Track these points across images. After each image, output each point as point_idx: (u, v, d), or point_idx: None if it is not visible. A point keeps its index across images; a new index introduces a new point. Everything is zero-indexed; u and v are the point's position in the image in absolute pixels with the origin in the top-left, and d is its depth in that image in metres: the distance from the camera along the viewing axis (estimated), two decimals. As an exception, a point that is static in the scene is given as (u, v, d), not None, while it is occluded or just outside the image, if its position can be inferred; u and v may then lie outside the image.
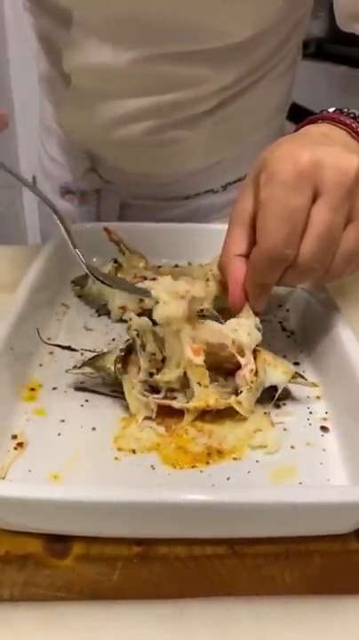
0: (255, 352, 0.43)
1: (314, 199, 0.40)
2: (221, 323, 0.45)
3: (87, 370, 0.44)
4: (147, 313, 0.52)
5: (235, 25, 0.60)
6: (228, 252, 0.44)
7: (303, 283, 0.44)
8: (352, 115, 0.47)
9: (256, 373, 0.42)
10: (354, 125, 0.46)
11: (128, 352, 0.44)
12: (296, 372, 0.44)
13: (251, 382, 0.42)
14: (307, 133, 0.45)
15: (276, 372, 0.43)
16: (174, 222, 0.75)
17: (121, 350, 0.43)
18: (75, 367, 0.45)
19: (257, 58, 0.66)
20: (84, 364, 0.45)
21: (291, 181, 0.39)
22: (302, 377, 0.44)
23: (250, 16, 0.60)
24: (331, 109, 0.48)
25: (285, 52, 0.71)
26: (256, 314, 0.44)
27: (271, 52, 0.68)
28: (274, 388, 0.43)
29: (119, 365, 0.42)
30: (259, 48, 0.65)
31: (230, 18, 0.59)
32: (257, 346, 0.44)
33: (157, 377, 0.42)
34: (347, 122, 0.46)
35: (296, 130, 0.48)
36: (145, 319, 0.45)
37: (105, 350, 0.46)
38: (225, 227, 0.70)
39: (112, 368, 0.43)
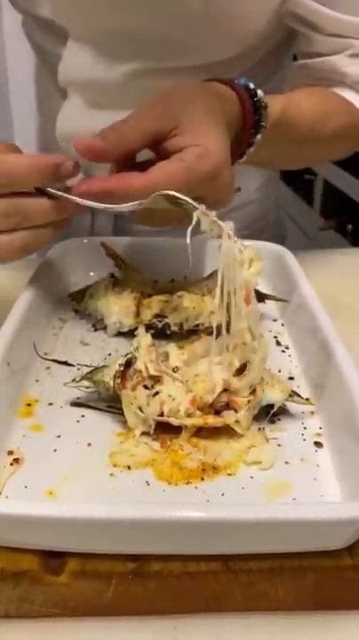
0: None
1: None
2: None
3: (85, 383, 0.45)
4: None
5: (223, 42, 0.61)
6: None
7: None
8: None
9: (254, 392, 0.43)
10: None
11: (127, 366, 0.44)
12: (292, 391, 0.44)
13: (249, 402, 0.42)
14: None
15: (274, 390, 0.43)
16: (168, 234, 0.76)
17: (120, 365, 0.43)
18: (73, 380, 0.45)
19: (246, 72, 0.67)
20: (83, 377, 0.45)
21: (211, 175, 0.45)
22: (298, 395, 0.45)
23: (237, 34, 0.61)
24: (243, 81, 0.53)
25: (275, 66, 0.72)
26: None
27: (260, 67, 0.69)
28: (269, 405, 0.43)
29: (118, 380, 0.43)
30: (247, 63, 0.66)
31: (218, 35, 0.60)
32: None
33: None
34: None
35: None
36: (144, 337, 0.45)
37: (103, 365, 0.46)
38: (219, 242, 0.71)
39: (111, 382, 0.43)
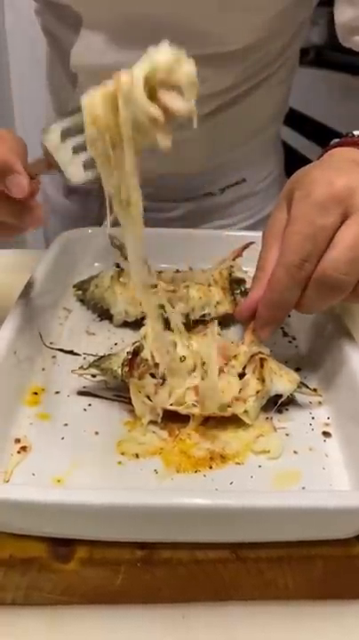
0: (262, 361, 0.44)
1: (342, 222, 0.40)
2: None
3: (93, 371, 0.44)
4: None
5: (235, 32, 0.61)
6: (264, 274, 0.44)
7: (324, 303, 0.42)
8: None
9: (262, 382, 0.42)
10: None
11: (134, 355, 0.44)
12: (300, 382, 0.44)
13: (258, 392, 0.42)
14: (341, 159, 0.45)
15: (282, 380, 0.43)
16: (174, 222, 0.76)
17: (128, 353, 0.43)
18: (81, 368, 0.45)
19: (255, 64, 0.67)
20: (91, 365, 0.45)
21: (323, 202, 0.40)
22: (306, 386, 0.44)
23: (249, 25, 0.61)
24: (357, 132, 0.49)
25: (284, 58, 0.72)
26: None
27: (270, 58, 0.69)
28: (278, 395, 0.43)
29: (126, 368, 0.42)
30: (258, 54, 0.66)
31: (230, 25, 0.60)
32: (264, 354, 0.44)
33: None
34: None
35: (324, 152, 0.49)
36: (155, 323, 0.45)
37: (110, 352, 0.46)
38: (224, 233, 0.71)
39: (119, 370, 0.43)
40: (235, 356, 0.45)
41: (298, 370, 0.49)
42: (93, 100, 0.35)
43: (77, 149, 0.41)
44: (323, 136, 1.45)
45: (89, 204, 0.81)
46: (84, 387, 0.46)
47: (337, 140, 0.50)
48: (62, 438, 0.41)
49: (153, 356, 0.43)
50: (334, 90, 1.39)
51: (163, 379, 0.42)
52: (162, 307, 0.54)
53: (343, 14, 0.61)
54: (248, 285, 0.56)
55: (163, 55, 0.35)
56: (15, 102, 1.65)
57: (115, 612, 0.34)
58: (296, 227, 0.41)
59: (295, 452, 0.41)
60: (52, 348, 0.49)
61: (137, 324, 0.54)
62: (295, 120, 1.56)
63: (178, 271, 0.63)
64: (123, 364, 0.43)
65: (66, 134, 0.41)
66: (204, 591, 0.35)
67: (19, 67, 1.60)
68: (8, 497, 0.32)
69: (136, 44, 0.61)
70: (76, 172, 0.42)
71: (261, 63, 0.69)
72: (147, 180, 0.74)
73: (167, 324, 0.53)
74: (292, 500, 0.33)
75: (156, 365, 0.43)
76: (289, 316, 0.57)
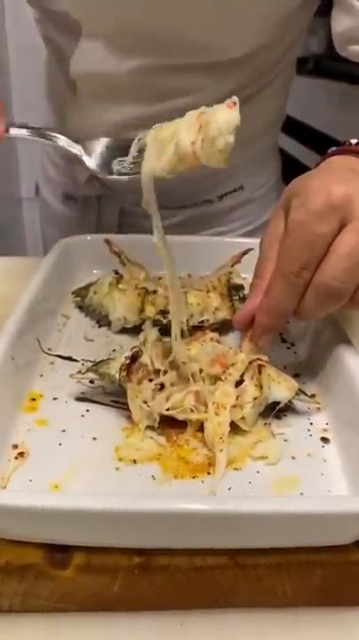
0: (260, 367, 0.44)
1: (340, 230, 0.40)
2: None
3: (91, 375, 0.44)
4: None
5: (233, 41, 0.61)
6: (262, 282, 0.44)
7: (322, 310, 0.42)
8: None
9: (260, 388, 0.42)
10: None
11: (132, 360, 0.44)
12: (299, 389, 0.44)
13: (255, 398, 0.42)
14: (340, 167, 0.45)
15: (280, 387, 0.43)
16: (172, 229, 0.76)
17: (126, 358, 0.43)
18: (79, 372, 0.45)
19: (254, 72, 0.68)
20: (89, 369, 0.45)
21: (321, 210, 0.40)
22: (304, 393, 0.44)
23: (246, 34, 0.61)
24: (354, 141, 0.49)
25: (282, 66, 0.72)
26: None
27: (268, 67, 0.70)
28: (276, 401, 0.43)
29: (124, 373, 0.42)
30: (256, 63, 0.66)
31: (228, 35, 0.60)
32: (262, 360, 0.44)
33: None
34: None
35: (321, 160, 0.49)
36: (151, 331, 0.45)
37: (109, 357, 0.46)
38: (222, 240, 0.71)
39: (116, 375, 0.43)
40: (233, 364, 0.44)
41: (296, 376, 0.49)
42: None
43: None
44: (322, 144, 1.46)
45: (87, 211, 0.81)
46: (82, 392, 0.46)
47: (334, 149, 0.50)
48: (60, 444, 0.41)
49: (152, 362, 0.43)
50: (333, 98, 1.40)
51: (162, 384, 0.42)
52: (161, 313, 0.54)
53: (340, 24, 0.62)
54: (246, 291, 0.56)
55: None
56: (15, 108, 1.66)
57: (112, 619, 0.34)
58: (293, 234, 0.41)
59: (293, 458, 0.41)
60: (51, 354, 0.49)
61: (135, 329, 0.54)
62: (294, 128, 1.58)
63: (176, 277, 0.63)
64: (120, 369, 0.43)
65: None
66: (202, 598, 0.35)
67: (19, 73, 1.61)
68: (5, 503, 0.32)
69: (135, 53, 0.62)
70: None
71: (259, 72, 0.69)
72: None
73: (166, 331, 0.53)
74: (291, 506, 0.33)
75: (156, 371, 0.43)
76: (287, 322, 0.58)
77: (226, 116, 0.38)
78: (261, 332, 0.44)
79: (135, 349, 0.44)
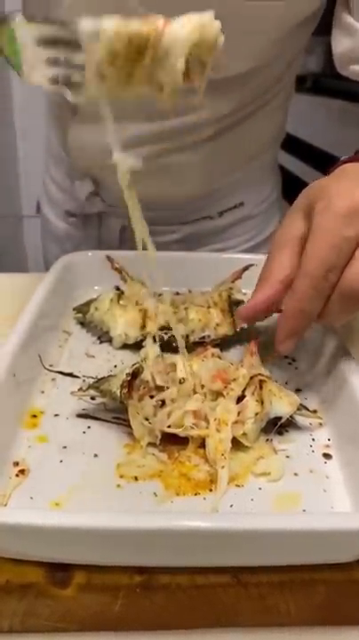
0: (261, 383, 0.44)
1: None
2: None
3: (92, 393, 0.44)
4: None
5: (233, 59, 0.62)
6: (272, 275, 0.44)
7: (347, 314, 0.42)
8: None
9: (262, 404, 0.42)
10: None
11: (134, 376, 0.44)
12: (300, 404, 0.44)
13: (257, 414, 0.42)
14: (354, 173, 0.45)
15: (281, 403, 0.43)
16: (173, 245, 0.77)
17: (127, 375, 0.43)
18: (80, 390, 0.45)
19: (253, 90, 0.69)
20: (90, 386, 0.45)
21: (347, 213, 0.40)
22: (306, 408, 0.44)
23: (244, 52, 0.62)
24: None
25: (282, 84, 0.73)
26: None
27: (267, 85, 0.70)
28: (277, 417, 0.43)
29: (125, 390, 0.42)
30: (254, 81, 0.67)
31: (229, 52, 0.61)
32: (263, 375, 0.44)
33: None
34: None
35: (334, 167, 0.49)
36: (152, 347, 0.45)
37: (110, 374, 0.46)
38: (223, 256, 0.72)
39: (117, 392, 0.43)
40: (234, 379, 0.44)
41: (298, 391, 0.49)
42: (113, 33, 0.33)
43: (51, 62, 0.37)
44: (322, 161, 1.47)
45: (89, 228, 0.82)
46: (84, 409, 0.46)
47: (346, 157, 0.50)
48: (61, 461, 0.41)
49: (153, 378, 0.43)
50: (332, 116, 1.41)
51: (163, 401, 0.42)
52: (163, 328, 0.54)
53: (340, 44, 0.62)
54: (247, 307, 0.56)
55: (210, 32, 0.34)
56: (18, 132, 1.69)
57: (113, 638, 0.34)
58: (320, 237, 0.41)
59: (296, 474, 0.40)
60: (52, 371, 0.49)
61: (137, 345, 0.54)
62: (293, 145, 1.59)
63: (177, 293, 0.63)
64: (122, 386, 0.43)
65: (40, 40, 0.36)
66: (205, 617, 0.34)
67: (21, 97, 1.63)
68: (5, 521, 0.32)
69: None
70: (38, 79, 0.38)
71: (260, 89, 0.70)
72: (146, 204, 0.75)
73: (167, 347, 0.53)
74: (293, 523, 0.32)
75: (157, 387, 0.43)
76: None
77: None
78: (286, 335, 0.44)
79: (136, 366, 0.44)
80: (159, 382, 0.43)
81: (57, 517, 0.32)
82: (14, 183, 1.77)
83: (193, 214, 0.80)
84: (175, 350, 0.54)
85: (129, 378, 0.43)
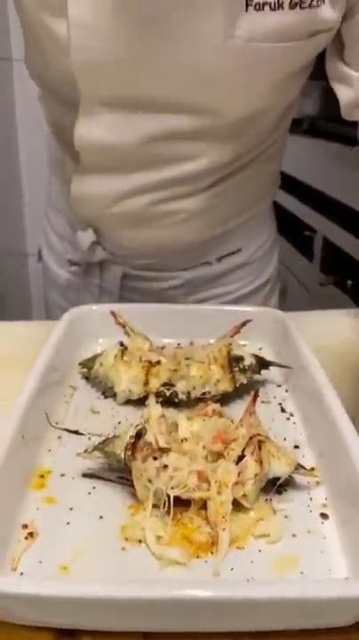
0: (260, 443, 0.45)
1: None
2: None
3: (97, 454, 0.46)
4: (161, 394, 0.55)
5: (225, 105, 0.64)
6: None
7: None
8: None
9: (261, 464, 0.44)
10: None
11: (137, 437, 0.46)
12: (298, 464, 0.45)
13: (256, 475, 0.43)
14: None
15: (279, 463, 0.44)
16: (173, 291, 0.79)
17: (130, 437, 0.45)
18: (85, 451, 0.46)
19: (252, 137, 0.71)
20: (95, 448, 0.46)
21: None
22: (303, 467, 0.46)
23: (239, 99, 0.64)
24: None
25: (280, 130, 0.76)
26: None
27: (266, 132, 0.73)
28: (276, 477, 0.45)
29: (129, 452, 0.44)
30: (254, 128, 0.69)
31: (220, 99, 0.63)
32: (262, 436, 0.46)
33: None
34: None
35: None
36: (155, 407, 0.47)
37: (113, 434, 0.48)
38: (226, 308, 0.74)
39: (122, 455, 0.44)
40: (234, 440, 0.46)
41: (296, 447, 0.51)
42: None
43: None
44: (319, 201, 1.50)
45: (90, 276, 0.84)
46: (89, 468, 0.47)
47: None
48: (68, 523, 0.42)
49: (156, 440, 0.45)
50: (328, 158, 1.45)
51: (166, 465, 0.44)
52: (165, 385, 0.56)
53: (343, 95, 0.65)
54: (246, 362, 0.58)
55: None
56: (24, 181, 1.73)
57: None
58: None
59: (294, 536, 0.42)
60: (58, 428, 0.51)
61: (140, 401, 0.56)
62: (291, 185, 1.63)
63: (179, 345, 0.65)
64: (126, 448, 0.44)
65: None
66: None
67: (27, 146, 1.68)
68: (16, 590, 0.33)
69: (139, 123, 0.65)
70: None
71: (258, 137, 0.73)
72: (147, 252, 0.77)
73: (169, 403, 0.55)
74: (291, 591, 0.34)
75: (160, 449, 0.45)
76: (286, 391, 0.59)
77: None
78: None
79: (139, 427, 0.46)
80: (162, 444, 0.45)
81: (63, 587, 0.34)
82: (20, 229, 1.80)
83: (192, 260, 0.82)
84: (177, 405, 0.56)
85: (132, 440, 0.45)
